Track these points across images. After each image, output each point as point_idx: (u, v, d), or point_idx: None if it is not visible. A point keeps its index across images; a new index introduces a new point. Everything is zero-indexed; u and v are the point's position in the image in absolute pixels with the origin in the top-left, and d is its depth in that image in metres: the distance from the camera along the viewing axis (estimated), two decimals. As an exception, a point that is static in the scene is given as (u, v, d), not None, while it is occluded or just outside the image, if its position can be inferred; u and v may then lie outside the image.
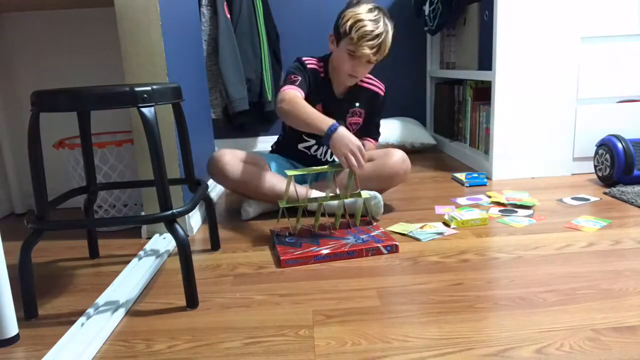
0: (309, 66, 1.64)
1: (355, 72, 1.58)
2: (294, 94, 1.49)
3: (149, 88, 1.00)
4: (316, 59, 1.67)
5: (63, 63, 1.82)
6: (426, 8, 2.62)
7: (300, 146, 1.74)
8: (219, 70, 2.36)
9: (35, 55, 1.81)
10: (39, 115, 1.02)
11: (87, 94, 0.98)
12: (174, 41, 1.50)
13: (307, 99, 1.56)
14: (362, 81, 1.71)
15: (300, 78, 1.57)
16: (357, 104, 1.71)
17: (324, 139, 1.40)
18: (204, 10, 2.33)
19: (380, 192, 1.63)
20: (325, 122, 1.40)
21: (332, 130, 1.38)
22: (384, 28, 1.50)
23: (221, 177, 1.59)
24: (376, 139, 1.83)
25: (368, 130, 1.78)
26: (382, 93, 1.75)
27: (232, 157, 1.58)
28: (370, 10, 1.51)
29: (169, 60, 1.43)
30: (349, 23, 1.50)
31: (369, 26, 1.48)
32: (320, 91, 1.66)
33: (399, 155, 1.62)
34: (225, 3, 2.34)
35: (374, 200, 1.55)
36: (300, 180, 1.74)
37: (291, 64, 1.66)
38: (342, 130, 1.38)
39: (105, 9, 1.76)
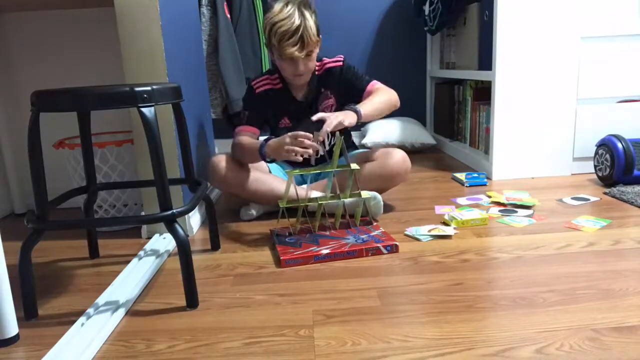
0: (258, 90, 1.65)
1: (298, 71, 1.55)
2: (237, 142, 1.58)
3: (149, 88, 1.00)
4: (267, 75, 1.67)
5: (63, 63, 1.82)
6: (426, 8, 2.62)
7: None
8: (219, 70, 2.35)
9: (35, 55, 1.81)
10: (39, 115, 1.01)
11: (87, 94, 0.98)
12: (174, 41, 1.50)
13: (269, 116, 1.66)
14: (317, 70, 1.66)
15: (248, 112, 1.64)
16: (322, 89, 1.68)
17: (266, 159, 1.48)
18: (204, 10, 2.33)
19: (381, 192, 1.63)
20: (256, 147, 1.48)
21: (263, 148, 1.46)
22: (300, 20, 1.46)
23: (222, 183, 1.58)
24: (372, 81, 1.67)
25: (355, 88, 1.66)
26: (339, 64, 1.66)
27: (230, 162, 1.57)
28: (282, 8, 1.48)
29: (169, 60, 1.43)
30: (267, 31, 1.51)
31: (284, 26, 1.46)
32: (282, 103, 1.66)
33: (399, 155, 1.61)
34: (225, 3, 2.34)
35: (373, 201, 1.55)
36: (300, 181, 1.74)
37: (246, 90, 1.70)
38: (269, 142, 1.45)
39: (105, 9, 1.76)
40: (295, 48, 1.47)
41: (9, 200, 1.88)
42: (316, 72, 1.66)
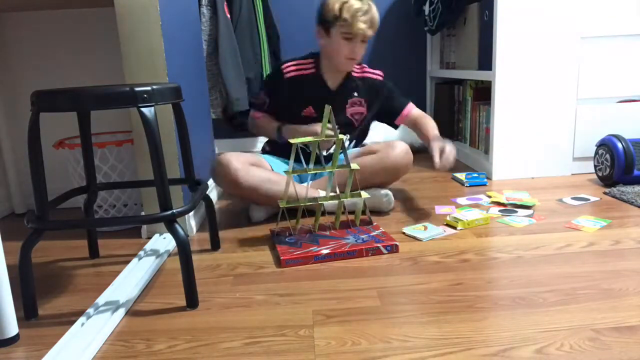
0: (288, 75, 1.70)
1: (354, 53, 1.63)
2: (254, 121, 1.78)
3: (149, 88, 1.00)
4: (301, 59, 1.72)
5: (63, 63, 1.82)
6: (426, 8, 2.62)
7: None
8: (219, 70, 2.35)
9: (35, 55, 1.81)
10: (39, 115, 1.01)
11: (87, 94, 0.98)
12: (174, 41, 1.50)
13: (293, 103, 1.69)
14: (356, 72, 1.74)
15: (268, 100, 1.74)
16: (356, 94, 1.74)
17: (279, 139, 1.68)
18: (204, 10, 2.33)
19: (385, 185, 1.67)
20: (273, 128, 1.70)
21: (279, 131, 1.67)
22: (370, 5, 1.59)
23: (233, 184, 1.49)
24: (409, 103, 1.83)
25: (393, 108, 1.81)
26: (380, 78, 1.80)
27: (241, 162, 1.50)
28: None
29: (169, 60, 1.43)
30: (336, 6, 1.57)
31: (357, 4, 1.57)
32: (311, 89, 1.68)
33: (401, 147, 1.64)
34: (225, 3, 2.34)
35: (385, 197, 1.60)
36: (298, 180, 1.73)
37: (271, 70, 1.75)
38: (286, 127, 1.66)
39: (105, 9, 1.76)
40: (367, 25, 1.58)
41: (9, 200, 1.88)
42: (354, 73, 1.73)
